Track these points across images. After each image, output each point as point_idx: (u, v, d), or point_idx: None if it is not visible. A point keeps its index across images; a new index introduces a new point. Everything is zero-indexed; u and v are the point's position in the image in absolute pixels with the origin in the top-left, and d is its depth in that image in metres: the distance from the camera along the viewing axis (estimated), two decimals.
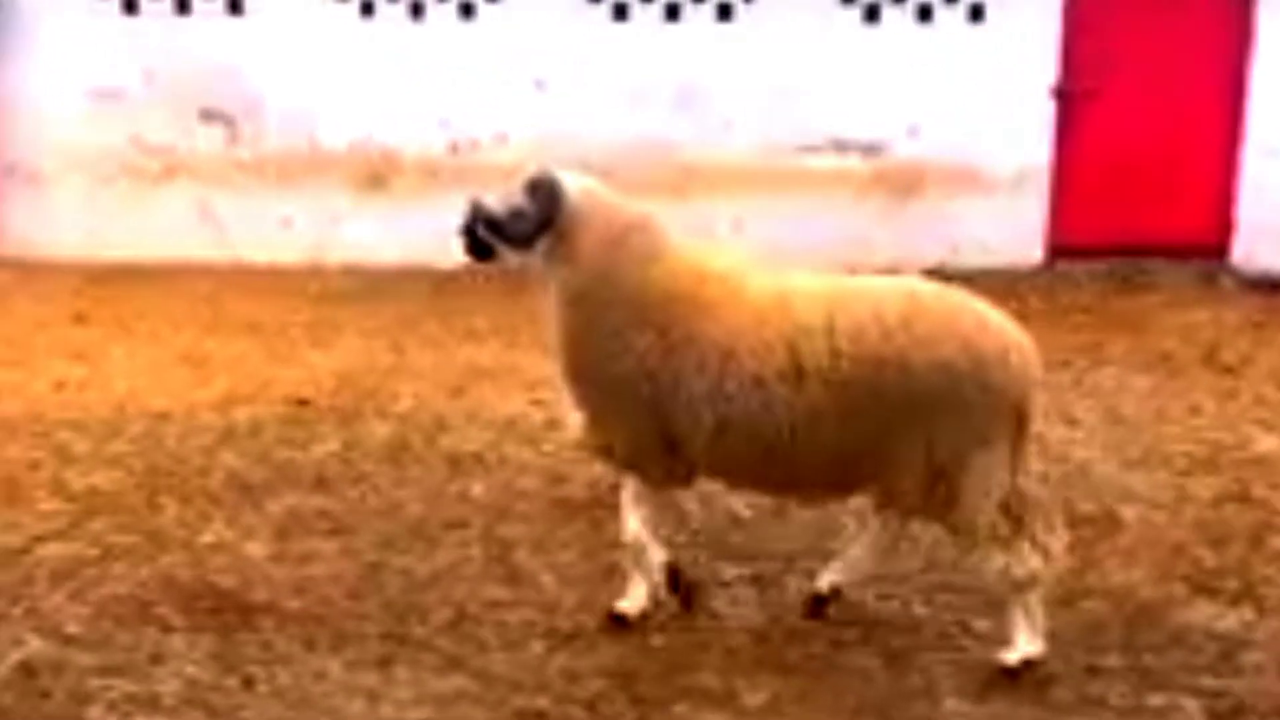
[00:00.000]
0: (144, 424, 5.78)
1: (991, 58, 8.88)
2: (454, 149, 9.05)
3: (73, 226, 8.88)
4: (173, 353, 6.94)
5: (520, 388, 6.34)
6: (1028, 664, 3.65)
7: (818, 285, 3.74)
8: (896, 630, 4.01)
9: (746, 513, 4.79)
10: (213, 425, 5.81)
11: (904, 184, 9.09)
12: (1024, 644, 3.65)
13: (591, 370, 3.78)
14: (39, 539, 4.57)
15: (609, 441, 3.84)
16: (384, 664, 3.77)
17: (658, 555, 3.90)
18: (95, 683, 3.64)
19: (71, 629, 3.93)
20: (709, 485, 4.28)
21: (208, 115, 8.94)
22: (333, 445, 5.58)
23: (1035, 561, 3.58)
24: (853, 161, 9.09)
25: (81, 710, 3.52)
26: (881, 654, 3.86)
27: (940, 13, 8.90)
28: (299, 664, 3.76)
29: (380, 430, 5.79)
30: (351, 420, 5.92)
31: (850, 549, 4.07)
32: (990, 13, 8.90)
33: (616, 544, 4.55)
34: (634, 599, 3.94)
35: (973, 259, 8.65)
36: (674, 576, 3.93)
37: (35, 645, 3.83)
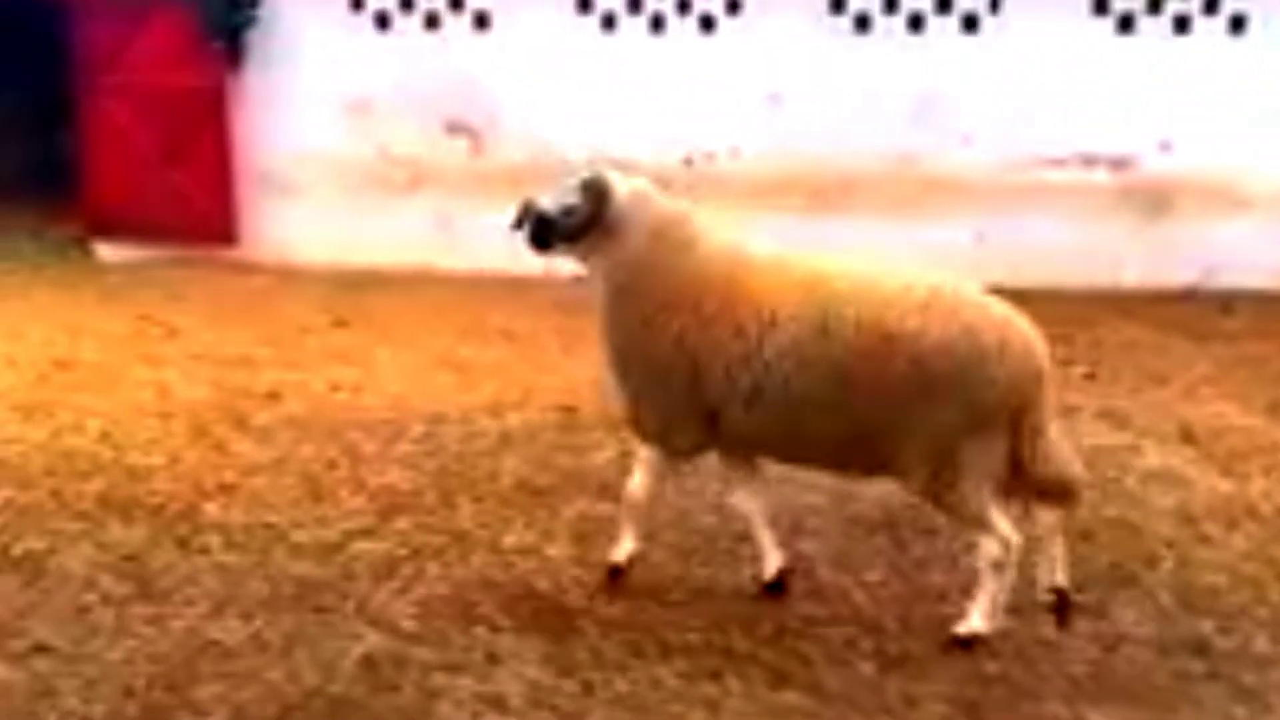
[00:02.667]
0: (423, 426, 5.92)
1: (1253, 70, 8.50)
2: (688, 162, 9.08)
3: (323, 234, 9.21)
4: (432, 357, 7.11)
5: None
6: (974, 638, 3.86)
7: (848, 268, 3.98)
8: (1244, 665, 3.83)
9: None
10: (488, 429, 5.92)
11: (1154, 200, 8.75)
12: (975, 620, 3.87)
13: (634, 353, 4.11)
14: (350, 535, 4.72)
15: (646, 416, 4.15)
16: (715, 675, 3.76)
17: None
18: (440, 679, 3.72)
19: (406, 625, 4.04)
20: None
21: (452, 127, 9.17)
22: (609, 452, 5.62)
23: (1010, 540, 3.80)
24: (1100, 176, 8.80)
25: (431, 705, 3.61)
26: (1233, 691, 3.69)
27: (1199, 22, 8.56)
28: (633, 671, 3.77)
29: None
30: (621, 428, 5.95)
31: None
32: (1253, 24, 8.52)
33: (923, 564, 4.49)
34: (622, 551, 4.27)
35: (1229, 280, 8.30)
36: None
37: (373, 640, 3.94)
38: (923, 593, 4.24)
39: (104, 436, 5.73)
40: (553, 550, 4.62)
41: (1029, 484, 3.84)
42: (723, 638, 3.97)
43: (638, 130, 9.03)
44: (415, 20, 9.07)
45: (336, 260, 9.12)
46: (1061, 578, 3.97)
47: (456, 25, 9.06)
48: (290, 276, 8.95)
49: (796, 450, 4.08)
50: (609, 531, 4.75)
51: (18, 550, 4.51)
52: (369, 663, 3.82)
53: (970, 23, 8.72)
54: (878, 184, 8.85)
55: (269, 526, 4.79)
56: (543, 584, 4.34)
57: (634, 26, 8.99)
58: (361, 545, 4.64)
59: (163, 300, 8.30)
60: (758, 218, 7.58)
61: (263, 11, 8.97)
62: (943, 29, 8.76)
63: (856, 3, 8.75)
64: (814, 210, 8.75)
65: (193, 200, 9.13)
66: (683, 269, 3.99)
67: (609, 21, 9.00)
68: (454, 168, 9.23)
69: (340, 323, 7.86)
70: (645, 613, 4.13)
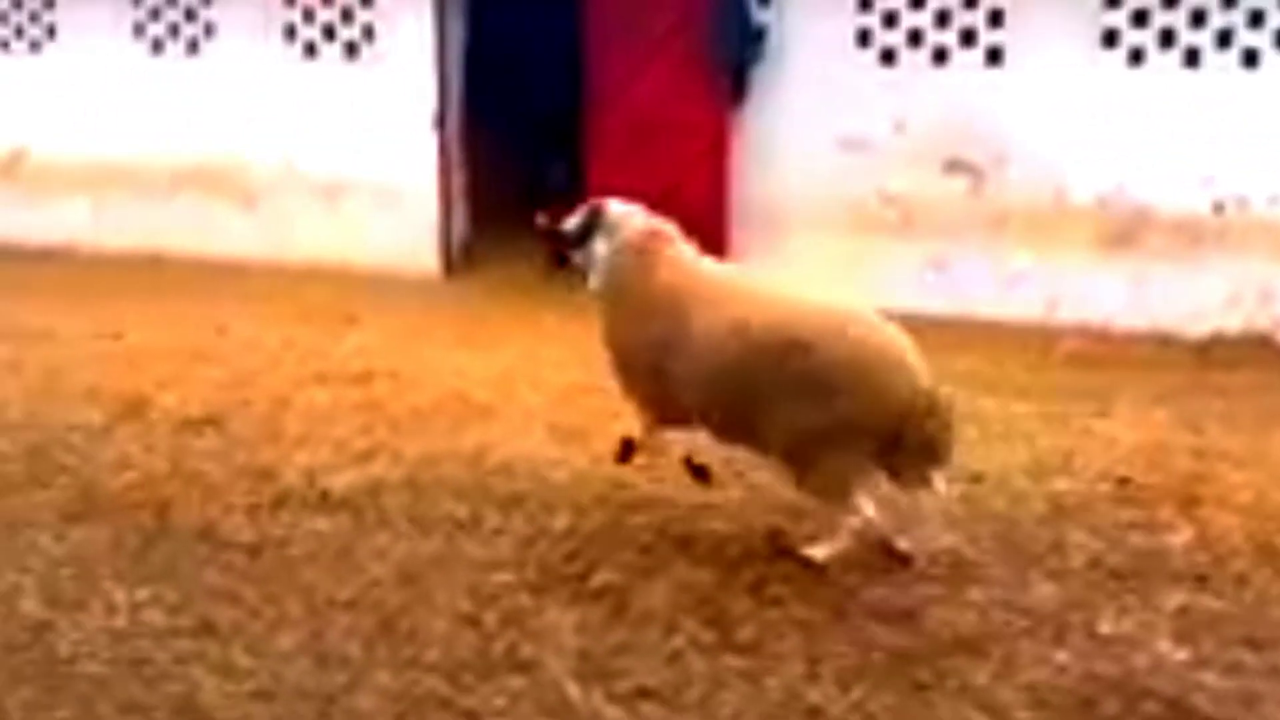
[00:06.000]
0: (960, 485, 5.54)
1: None
2: (1218, 208, 8.26)
3: (810, 273, 9.07)
4: None
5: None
6: (809, 563, 4.52)
7: (776, 287, 4.91)
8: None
9: None
10: (1031, 493, 5.47)
11: None
12: (818, 551, 4.57)
13: (620, 347, 5.04)
14: (924, 601, 4.39)
15: (633, 394, 5.07)
16: None
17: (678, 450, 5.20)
18: None
19: (1021, 716, 3.67)
20: None
21: (952, 166, 8.79)
22: (1185, 535, 5.02)
23: (871, 520, 4.53)
24: None
25: None
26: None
27: None
28: None
29: (1228, 521, 5.17)
30: (1189, 506, 5.34)
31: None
32: None
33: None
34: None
35: None
36: (689, 462, 5.16)
37: None
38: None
39: (644, 467, 5.73)
40: (1161, 645, 4.11)
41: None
42: None
43: (1161, 173, 8.32)
44: (922, 55, 8.77)
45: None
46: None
47: (966, 60, 8.69)
48: None
49: (721, 431, 4.85)
50: (1222, 631, 4.21)
51: (596, 581, 4.50)
52: None
53: None
54: None
55: (843, 588, 4.54)
56: (1164, 685, 3.85)
57: (1165, 62, 8.28)
58: (939, 614, 4.31)
59: None
60: None
61: (768, 47, 8.97)
62: None
63: None
64: None
65: (686, 235, 9.20)
66: (658, 284, 4.89)
67: (1136, 57, 8.34)
68: (949, 208, 8.85)
69: None
70: None
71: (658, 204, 9.25)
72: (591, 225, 5.12)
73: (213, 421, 6.24)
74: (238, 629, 4.13)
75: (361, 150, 10.24)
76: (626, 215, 5.15)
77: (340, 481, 5.48)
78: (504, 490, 5.41)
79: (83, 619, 4.16)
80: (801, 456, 4.50)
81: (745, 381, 4.54)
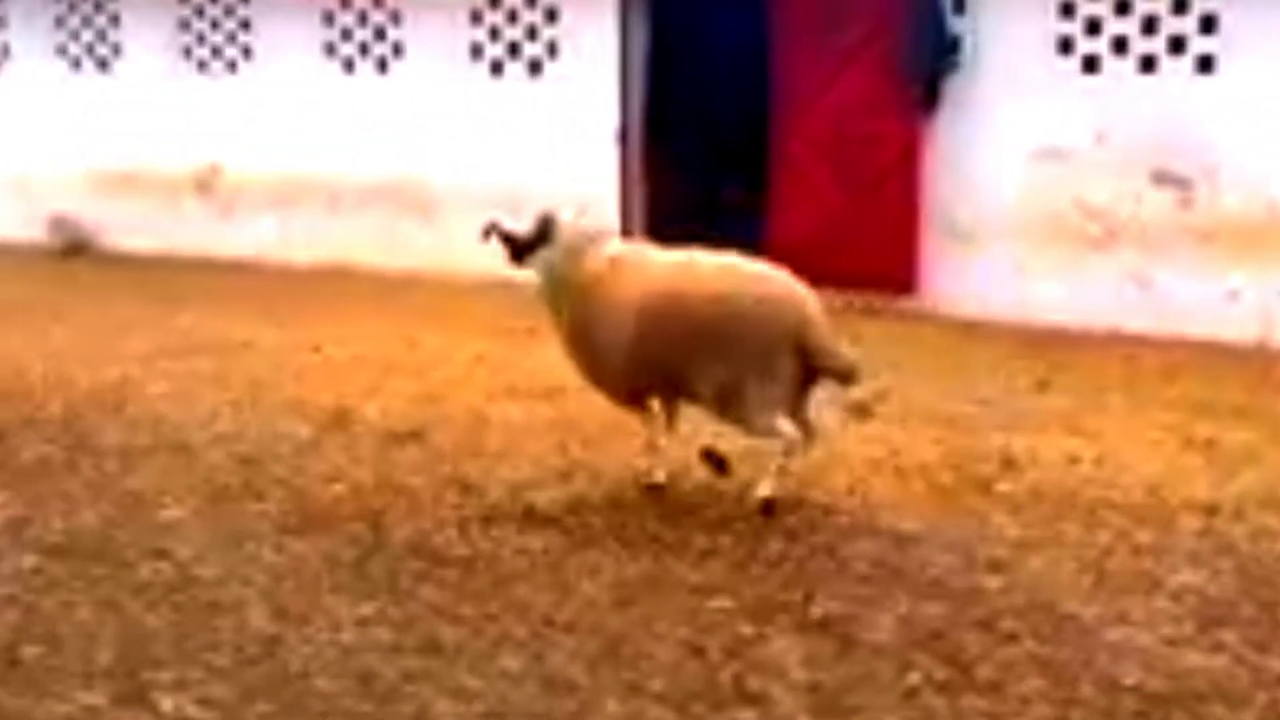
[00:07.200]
0: (1197, 519, 5.20)
1: None
2: None
3: (1006, 287, 8.79)
4: (1164, 431, 6.41)
5: None
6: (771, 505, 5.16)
7: (671, 259, 5.49)
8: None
9: None
10: (1271, 527, 5.13)
11: None
12: (765, 487, 5.19)
13: (565, 334, 5.61)
14: (1170, 642, 4.13)
15: (599, 386, 5.67)
16: None
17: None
18: None
19: None
20: None
21: (1160, 178, 8.40)
22: None
23: (795, 439, 5.17)
24: None
25: None
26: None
27: None
28: None
29: None
30: None
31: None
32: None
33: None
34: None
35: None
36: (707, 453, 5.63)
37: None
38: None
39: (849, 492, 5.57)
40: None
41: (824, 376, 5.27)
42: None
43: None
44: (1129, 63, 8.41)
45: (1017, 316, 8.67)
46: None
47: (1175, 68, 8.30)
48: (969, 331, 8.61)
49: (661, 391, 5.52)
50: None
51: (817, 610, 4.35)
52: None
53: None
54: None
55: (1065, 615, 4.33)
56: None
57: None
58: (1191, 656, 4.04)
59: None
60: None
61: (962, 55, 8.72)
62: None
63: None
64: None
65: (876, 247, 9.02)
66: (585, 274, 5.43)
67: None
68: (1156, 222, 8.45)
69: (1041, 385, 7.34)
70: None
71: (844, 217, 9.14)
72: (541, 234, 5.51)
73: (415, 434, 6.29)
74: (460, 648, 4.09)
75: (544, 165, 10.30)
76: (572, 224, 5.66)
77: (543, 497, 5.45)
78: (708, 512, 5.30)
79: (310, 633, 4.18)
80: (729, 396, 5.15)
81: (666, 340, 5.22)
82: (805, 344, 5.11)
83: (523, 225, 5.53)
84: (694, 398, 5.36)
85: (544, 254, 5.53)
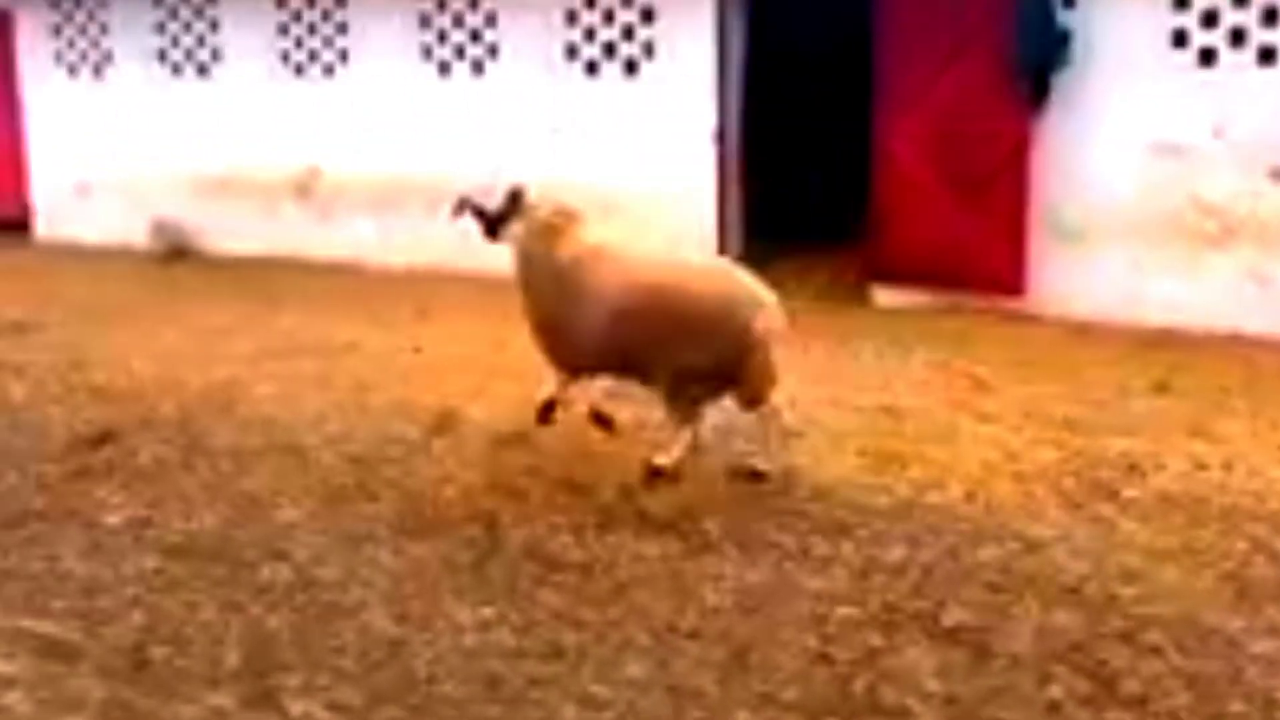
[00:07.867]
0: None
1: None
2: None
3: (1117, 287, 8.55)
4: None
5: None
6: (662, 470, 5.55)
7: (659, 255, 6.01)
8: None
9: None
10: None
11: None
12: (662, 459, 5.59)
13: (532, 308, 5.86)
14: None
15: (550, 355, 5.87)
16: None
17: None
18: None
19: None
20: None
21: (1278, 174, 8.12)
22: None
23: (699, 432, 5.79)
24: None
25: None
26: None
27: None
28: None
29: None
30: None
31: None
32: None
33: None
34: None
35: None
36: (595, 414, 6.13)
37: None
38: None
39: (969, 497, 5.43)
40: None
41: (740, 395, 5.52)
42: None
43: None
44: (1248, 55, 8.13)
45: (1128, 315, 8.43)
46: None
47: None
48: (1080, 331, 8.38)
49: (620, 373, 5.83)
50: None
51: (948, 620, 4.24)
52: None
53: None
54: None
55: (1208, 628, 4.16)
56: None
57: None
58: None
59: (953, 350, 8.02)
60: None
61: (1072, 50, 8.49)
62: None
63: None
64: None
65: (984, 247, 8.81)
66: (558, 257, 5.69)
67: None
68: (1278, 219, 8.16)
69: (1160, 387, 7.11)
70: None
71: (952, 216, 8.95)
72: (511, 208, 5.81)
73: (521, 436, 6.26)
74: (584, 653, 4.04)
75: (640, 165, 10.24)
76: (541, 199, 5.87)
77: (656, 502, 5.38)
78: (824, 517, 5.20)
79: (432, 637, 4.16)
80: (676, 386, 5.48)
81: (634, 329, 5.45)
82: (757, 356, 5.34)
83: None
84: (647, 381, 5.68)
85: (514, 229, 5.83)
